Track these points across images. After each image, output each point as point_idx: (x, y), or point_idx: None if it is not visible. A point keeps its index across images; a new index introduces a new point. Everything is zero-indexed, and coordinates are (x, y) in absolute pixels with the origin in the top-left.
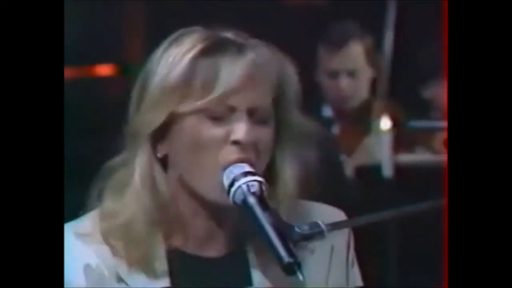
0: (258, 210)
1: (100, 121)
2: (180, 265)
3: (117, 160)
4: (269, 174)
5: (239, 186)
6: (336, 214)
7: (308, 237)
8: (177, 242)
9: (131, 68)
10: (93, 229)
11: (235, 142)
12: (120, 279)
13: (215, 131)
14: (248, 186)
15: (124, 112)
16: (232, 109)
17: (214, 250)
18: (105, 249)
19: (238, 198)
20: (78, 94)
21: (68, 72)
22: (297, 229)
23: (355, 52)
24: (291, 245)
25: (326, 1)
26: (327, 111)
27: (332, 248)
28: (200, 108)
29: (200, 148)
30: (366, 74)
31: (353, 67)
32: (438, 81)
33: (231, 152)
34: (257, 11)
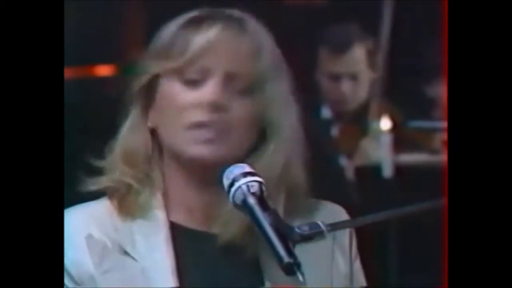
0: (258, 211)
1: (100, 121)
2: (184, 241)
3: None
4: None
5: (239, 187)
6: (338, 211)
7: (308, 238)
8: (179, 216)
9: (131, 68)
10: (100, 205)
11: (204, 104)
12: (124, 252)
13: (189, 94)
14: (248, 187)
15: (124, 112)
16: (207, 71)
17: (218, 226)
18: (108, 223)
19: (238, 199)
20: (78, 94)
21: (68, 72)
22: (297, 230)
23: (357, 56)
24: (290, 245)
25: (326, 1)
26: (327, 112)
27: (334, 239)
28: (173, 68)
29: (175, 111)
30: (367, 75)
31: (355, 70)
32: (441, 80)
33: (198, 113)
34: (257, 11)
